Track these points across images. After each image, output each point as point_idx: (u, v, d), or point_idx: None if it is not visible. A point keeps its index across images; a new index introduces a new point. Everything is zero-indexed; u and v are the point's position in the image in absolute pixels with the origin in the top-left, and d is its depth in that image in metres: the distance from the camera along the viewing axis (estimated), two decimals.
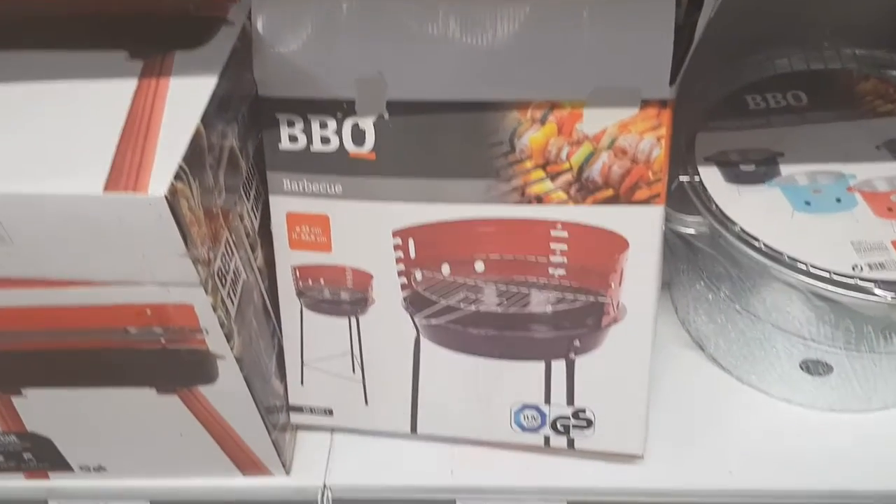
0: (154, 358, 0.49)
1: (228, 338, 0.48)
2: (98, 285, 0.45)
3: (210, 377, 0.50)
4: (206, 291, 0.45)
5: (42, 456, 0.58)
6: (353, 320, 0.56)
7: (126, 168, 0.40)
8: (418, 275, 0.53)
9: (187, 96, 0.44)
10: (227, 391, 0.51)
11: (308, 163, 0.51)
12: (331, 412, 0.59)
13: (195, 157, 0.42)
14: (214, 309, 0.46)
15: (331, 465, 0.60)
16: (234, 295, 0.49)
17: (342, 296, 0.55)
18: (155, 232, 0.41)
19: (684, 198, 0.56)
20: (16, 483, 0.60)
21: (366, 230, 0.53)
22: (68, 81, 0.45)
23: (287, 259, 0.55)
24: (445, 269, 0.53)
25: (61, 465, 0.59)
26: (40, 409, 0.53)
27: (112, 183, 0.40)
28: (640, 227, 0.50)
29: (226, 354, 0.49)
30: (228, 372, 0.50)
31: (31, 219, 0.41)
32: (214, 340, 0.48)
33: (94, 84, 0.45)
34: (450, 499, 0.58)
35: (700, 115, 0.61)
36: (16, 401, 0.53)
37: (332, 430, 0.62)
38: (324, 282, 0.55)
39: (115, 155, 0.41)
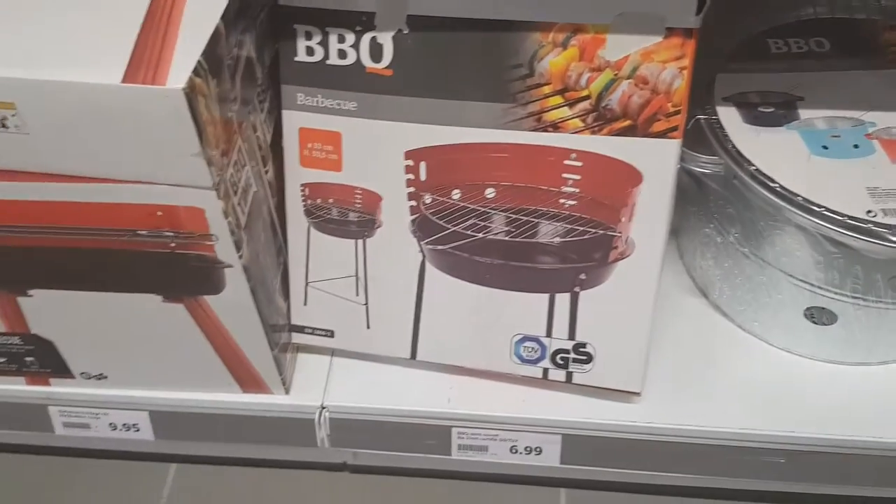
0: (162, 262, 0.49)
1: (237, 246, 0.48)
2: (110, 182, 0.45)
3: (216, 287, 0.51)
4: (217, 195, 0.45)
5: (44, 360, 0.59)
6: (360, 243, 0.56)
7: (145, 61, 0.40)
8: (428, 198, 0.54)
9: None
10: (233, 302, 0.52)
11: (324, 77, 0.51)
12: (332, 333, 0.60)
13: (214, 56, 0.42)
14: (225, 215, 0.46)
15: (329, 387, 0.61)
16: (245, 205, 0.49)
17: (350, 217, 0.55)
18: (170, 127, 0.41)
19: (700, 137, 0.57)
20: (17, 387, 0.61)
21: (377, 150, 0.53)
22: None
23: (297, 176, 0.55)
24: (456, 194, 0.53)
25: (63, 370, 0.59)
26: (45, 310, 0.54)
27: (130, 74, 0.40)
28: (656, 160, 0.50)
29: (234, 263, 0.49)
30: (235, 282, 0.50)
31: (47, 107, 0.41)
32: (223, 248, 0.48)
33: None
34: (445, 426, 0.59)
35: (721, 57, 0.61)
36: (21, 301, 0.54)
37: (332, 352, 0.62)
38: (332, 202, 0.55)
39: (134, 47, 0.41)
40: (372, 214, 0.55)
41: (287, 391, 0.60)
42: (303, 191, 0.55)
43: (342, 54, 0.51)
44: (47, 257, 0.50)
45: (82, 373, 0.60)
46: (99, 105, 0.41)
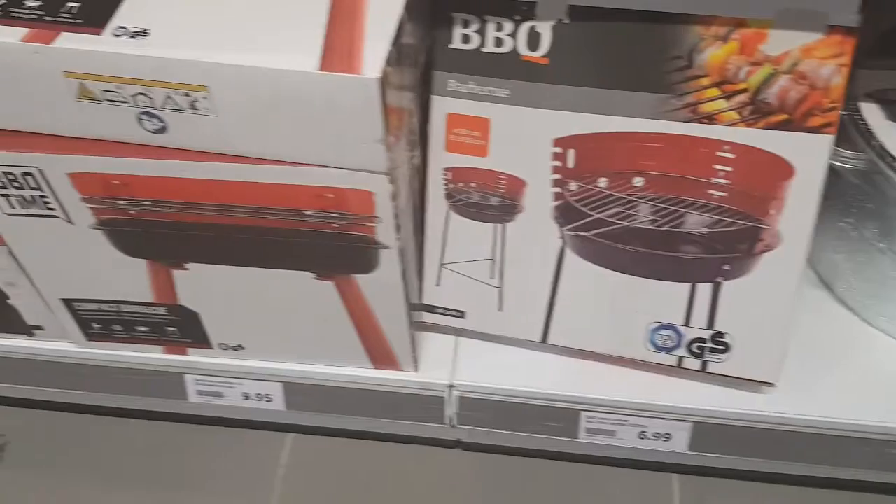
0: (322, 242, 0.51)
1: (398, 229, 0.50)
2: (287, 164, 0.47)
3: (370, 266, 0.53)
4: (389, 180, 0.47)
5: (185, 330, 0.61)
6: (500, 227, 0.58)
7: (338, 48, 0.42)
8: (573, 185, 0.55)
9: None
10: (382, 282, 0.54)
11: (477, 64, 0.53)
12: (462, 314, 0.62)
13: (397, 44, 0.43)
14: (393, 198, 0.48)
15: (456, 366, 0.63)
16: (403, 189, 0.51)
17: (491, 201, 0.57)
18: (359, 114, 0.43)
19: (843, 132, 0.57)
20: (155, 355, 0.64)
21: (526, 136, 0.54)
22: None
23: (440, 160, 0.57)
24: (602, 181, 0.54)
25: (202, 341, 0.62)
26: (197, 284, 0.57)
27: (327, 62, 0.42)
28: (809, 154, 0.51)
29: (391, 245, 0.51)
30: (388, 263, 0.52)
31: (239, 91, 0.43)
32: (384, 230, 0.50)
33: None
34: (575, 409, 0.61)
35: (860, 52, 0.61)
36: (176, 274, 0.56)
37: (458, 332, 0.64)
38: (475, 186, 0.57)
39: (325, 34, 0.43)
40: (514, 199, 0.56)
41: (416, 369, 0.62)
42: (445, 175, 0.57)
43: (498, 42, 0.52)
44: (210, 233, 0.52)
45: (221, 343, 0.62)
46: (291, 91, 0.43)
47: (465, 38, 0.52)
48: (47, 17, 0.45)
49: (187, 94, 0.44)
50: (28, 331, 0.64)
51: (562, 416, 0.61)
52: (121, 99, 0.45)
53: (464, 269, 0.60)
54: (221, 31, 0.44)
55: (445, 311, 0.62)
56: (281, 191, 0.48)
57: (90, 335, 0.63)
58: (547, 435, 0.63)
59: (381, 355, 0.61)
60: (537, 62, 0.52)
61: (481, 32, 0.52)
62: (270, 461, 0.73)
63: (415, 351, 0.60)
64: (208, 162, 0.47)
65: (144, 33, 0.44)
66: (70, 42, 0.44)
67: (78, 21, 0.45)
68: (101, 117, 0.47)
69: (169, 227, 0.52)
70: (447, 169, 0.57)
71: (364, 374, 0.62)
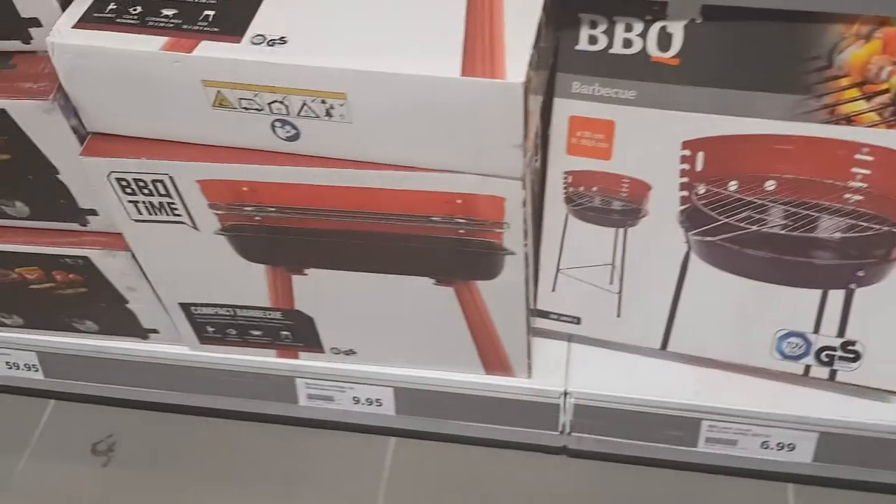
0: (447, 248, 0.51)
1: (525, 234, 0.50)
2: (419, 171, 0.47)
3: (493, 272, 0.53)
4: (522, 185, 0.46)
5: (299, 335, 0.62)
6: (621, 231, 0.57)
7: (479, 53, 0.42)
8: (701, 189, 0.54)
9: None
10: (503, 288, 0.54)
11: (603, 65, 0.52)
12: (578, 320, 0.61)
13: (536, 47, 0.43)
14: (524, 204, 0.47)
15: (570, 372, 0.62)
16: (529, 193, 0.50)
17: (614, 205, 0.56)
18: (500, 120, 0.42)
19: None
20: (267, 359, 0.65)
21: (653, 139, 0.53)
22: None
23: (561, 164, 0.56)
24: (732, 185, 0.53)
25: (314, 345, 0.63)
26: (315, 289, 0.57)
27: (468, 67, 0.41)
28: None
29: (517, 251, 0.51)
30: (513, 268, 0.52)
31: (378, 98, 0.43)
32: (512, 235, 0.50)
33: None
34: (695, 418, 0.60)
35: None
36: (295, 279, 0.57)
37: (569, 338, 0.63)
38: (596, 190, 0.56)
39: (464, 39, 0.42)
40: (638, 203, 0.55)
41: (530, 375, 0.62)
42: (566, 178, 0.56)
43: (627, 43, 0.51)
44: (334, 239, 0.52)
45: (333, 348, 0.63)
46: (431, 97, 0.42)
47: (592, 40, 0.52)
48: (185, 26, 0.45)
49: (323, 102, 0.44)
50: (143, 334, 0.65)
51: (682, 425, 0.60)
52: (256, 107, 0.46)
53: (581, 274, 0.59)
54: (358, 37, 0.44)
55: (560, 317, 0.61)
56: (410, 197, 0.48)
57: (204, 339, 0.64)
58: (664, 444, 0.62)
59: (494, 361, 0.60)
60: (667, 63, 0.51)
61: (609, 33, 0.51)
62: (375, 464, 0.73)
63: (530, 357, 0.60)
64: (341, 169, 0.47)
65: (282, 41, 0.44)
66: (210, 51, 0.44)
67: (215, 29, 0.45)
68: (234, 125, 0.47)
69: (293, 232, 0.53)
70: (567, 172, 0.56)
71: (476, 379, 0.62)
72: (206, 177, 0.50)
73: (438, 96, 0.42)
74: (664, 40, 0.50)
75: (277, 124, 0.46)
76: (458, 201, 0.48)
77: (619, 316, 0.60)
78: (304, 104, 0.45)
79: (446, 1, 0.45)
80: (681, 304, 0.58)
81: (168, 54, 0.44)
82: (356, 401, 0.65)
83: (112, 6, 0.47)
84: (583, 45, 0.52)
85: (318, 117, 0.45)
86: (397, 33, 0.44)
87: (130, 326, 0.65)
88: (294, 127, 0.46)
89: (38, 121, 0.49)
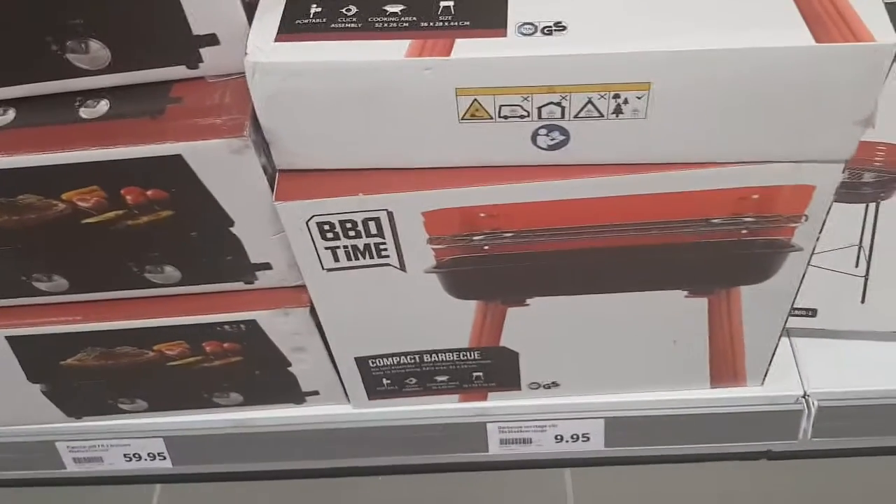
0: (721, 253, 0.44)
1: (821, 227, 0.43)
2: (717, 166, 0.39)
3: (769, 273, 0.46)
4: (843, 169, 0.39)
5: (493, 374, 0.54)
6: (872, 207, 0.50)
7: (825, 19, 0.35)
8: None
9: None
10: (773, 290, 0.47)
11: None
12: (814, 313, 0.55)
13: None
14: (832, 193, 0.41)
15: (804, 372, 0.56)
16: None
17: (865, 178, 0.49)
18: (853, 91, 0.36)
19: None
20: (448, 406, 0.57)
21: None
22: None
23: None
24: None
25: (510, 383, 0.55)
26: (532, 320, 0.49)
27: (821, 34, 0.34)
28: None
29: (806, 246, 0.44)
30: (793, 267, 0.46)
31: (692, 83, 0.36)
32: (807, 230, 0.43)
33: None
34: None
35: None
36: (511, 312, 0.49)
37: (790, 333, 0.57)
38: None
39: (796, 5, 0.35)
40: (894, 172, 0.49)
41: (763, 382, 0.55)
42: None
43: None
44: (577, 261, 0.45)
45: (532, 383, 0.55)
46: (771, 73, 0.35)
47: None
48: (424, 23, 0.37)
49: (616, 97, 0.37)
50: (301, 398, 0.56)
51: None
52: (521, 113, 0.38)
53: (820, 260, 0.53)
54: (650, 15, 0.36)
55: (793, 312, 0.55)
56: (694, 199, 0.41)
57: (375, 393, 0.55)
58: None
59: (724, 372, 0.54)
60: None
61: None
62: (559, 499, 0.65)
63: (771, 362, 0.53)
64: (624, 175, 0.40)
65: (560, 27, 0.36)
66: (473, 51, 0.36)
67: (465, 23, 0.37)
68: (483, 139, 0.39)
69: (527, 258, 0.45)
70: None
71: (700, 395, 0.56)
72: (435, 206, 0.42)
73: (780, 71, 0.35)
74: None
75: (542, 132, 0.38)
76: (755, 196, 0.41)
77: (863, 302, 0.54)
78: (589, 102, 0.37)
79: None
80: None
81: (418, 61, 0.36)
82: (559, 439, 0.58)
83: (316, 8, 0.38)
84: None
85: (601, 117, 0.37)
86: (698, 5, 0.36)
87: (286, 392, 0.56)
88: (563, 132, 0.38)
89: (222, 164, 0.40)
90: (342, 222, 0.42)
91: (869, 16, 0.34)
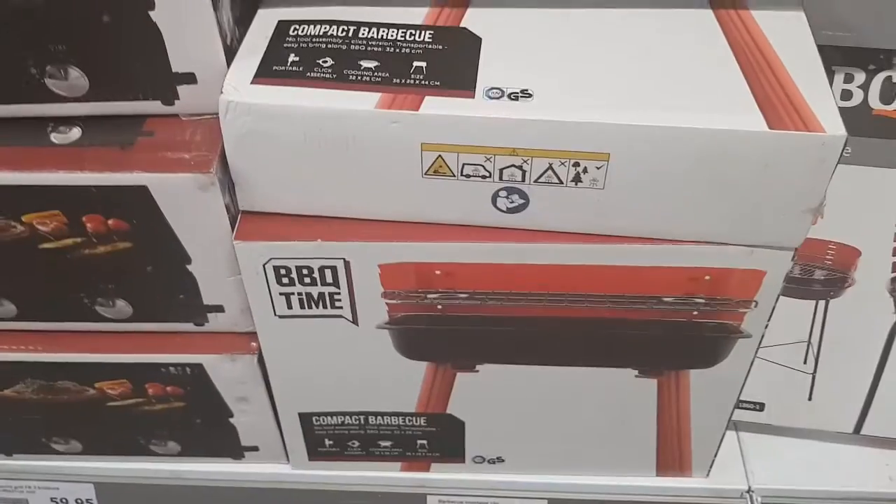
0: (671, 333, 0.45)
1: (770, 315, 0.44)
2: (670, 243, 0.41)
3: (717, 359, 0.47)
4: (792, 257, 0.41)
5: (438, 443, 0.54)
6: (822, 304, 0.52)
7: (777, 106, 0.37)
8: None
9: (781, 26, 0.41)
10: (721, 377, 0.48)
11: None
12: (762, 407, 0.56)
13: None
14: (782, 279, 0.42)
15: (749, 466, 0.56)
16: None
17: (816, 275, 0.51)
18: (803, 179, 0.37)
19: None
20: (390, 474, 0.56)
21: (867, 200, 0.49)
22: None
23: None
24: None
25: (454, 454, 0.55)
26: (481, 388, 0.50)
27: (774, 121, 0.36)
28: None
29: (755, 333, 0.45)
30: (741, 355, 0.47)
31: (651, 158, 0.38)
32: (756, 316, 0.44)
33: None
34: None
35: None
36: (461, 378, 0.49)
37: (737, 426, 0.58)
38: (797, 258, 0.51)
39: (751, 91, 0.37)
40: (845, 271, 0.51)
41: (708, 473, 0.55)
42: None
43: (846, 95, 0.47)
44: (530, 328, 0.46)
45: (476, 456, 0.55)
46: (723, 154, 0.37)
47: None
48: (396, 80, 0.39)
49: (576, 165, 0.38)
50: (240, 453, 0.56)
51: None
52: (483, 173, 0.39)
53: (770, 354, 0.54)
54: (614, 89, 0.38)
55: (742, 404, 0.56)
56: (647, 275, 0.42)
57: (316, 454, 0.55)
58: None
59: (671, 460, 0.54)
60: (892, 117, 0.47)
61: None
62: None
63: (716, 453, 0.54)
64: (580, 244, 0.41)
65: (526, 94, 0.38)
66: (440, 108, 0.37)
67: (436, 83, 0.38)
68: (444, 196, 0.40)
69: (481, 322, 0.45)
70: None
71: (645, 483, 0.56)
72: (392, 259, 0.42)
73: (733, 154, 0.37)
74: (888, 92, 0.47)
75: (503, 193, 0.40)
76: (707, 277, 0.42)
77: (810, 399, 0.55)
78: (550, 168, 0.38)
79: (704, 49, 0.40)
80: (882, 382, 0.53)
81: (387, 113, 0.37)
82: None
83: (294, 58, 0.39)
84: None
85: (559, 184, 0.39)
86: (659, 85, 0.38)
87: (225, 445, 0.55)
88: (523, 195, 0.40)
89: (186, 199, 0.41)
90: (299, 268, 0.43)
91: (819, 107, 0.37)
